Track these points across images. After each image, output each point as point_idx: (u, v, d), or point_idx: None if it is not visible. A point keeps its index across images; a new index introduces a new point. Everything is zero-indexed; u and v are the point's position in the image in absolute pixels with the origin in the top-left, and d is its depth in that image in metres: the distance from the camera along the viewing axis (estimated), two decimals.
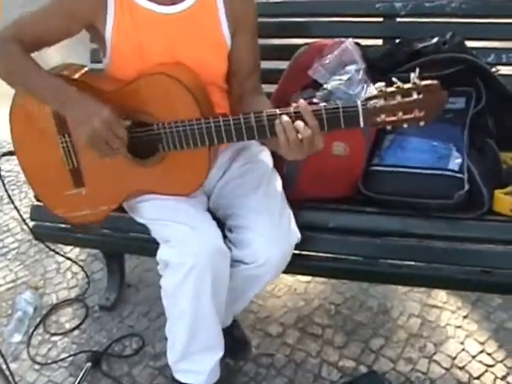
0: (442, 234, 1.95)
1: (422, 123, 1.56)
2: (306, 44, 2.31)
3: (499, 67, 2.22)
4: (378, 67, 2.20)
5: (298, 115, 1.60)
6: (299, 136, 1.59)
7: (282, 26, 2.47)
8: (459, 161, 1.98)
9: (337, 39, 2.23)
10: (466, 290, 2.45)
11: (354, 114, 1.56)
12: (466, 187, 1.93)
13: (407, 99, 1.54)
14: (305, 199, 2.05)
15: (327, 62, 2.14)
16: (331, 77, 2.10)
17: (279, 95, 2.23)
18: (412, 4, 2.35)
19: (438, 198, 1.93)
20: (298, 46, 2.32)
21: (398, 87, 1.54)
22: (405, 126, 1.56)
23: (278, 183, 1.99)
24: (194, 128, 1.71)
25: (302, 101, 1.61)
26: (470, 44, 2.24)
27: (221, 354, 2.02)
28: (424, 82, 1.53)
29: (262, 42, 2.19)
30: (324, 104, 1.61)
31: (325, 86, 2.07)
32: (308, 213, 2.04)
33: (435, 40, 2.18)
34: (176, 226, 1.82)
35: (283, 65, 2.32)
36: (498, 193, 1.97)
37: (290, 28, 2.47)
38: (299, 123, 1.59)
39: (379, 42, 2.41)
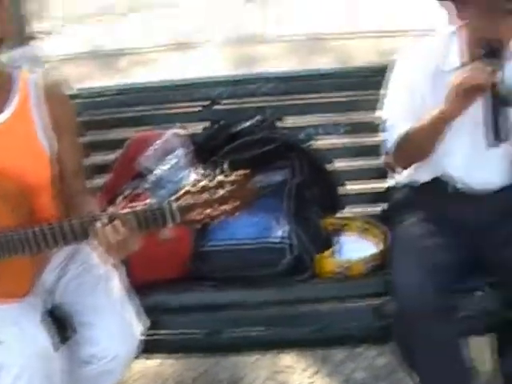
0: (275, 300, 2.10)
1: (237, 213, 1.61)
2: (133, 135, 2.43)
3: (313, 140, 2.45)
4: (202, 151, 2.35)
5: (110, 219, 1.65)
6: (111, 240, 1.65)
7: (108, 119, 2.56)
8: (283, 230, 2.15)
9: (162, 128, 2.38)
10: (307, 349, 2.59)
11: (164, 213, 1.61)
12: (291, 254, 2.10)
13: (218, 193, 1.58)
14: (142, 283, 2.12)
15: (154, 151, 2.27)
16: (158, 165, 2.22)
17: (110, 187, 2.31)
18: (230, 89, 2.51)
19: (266, 266, 2.09)
20: (126, 138, 2.43)
21: (208, 182, 1.59)
22: (222, 218, 1.62)
23: (116, 278, 2.04)
24: (10, 238, 1.73)
25: (111, 208, 1.68)
26: (286, 121, 2.46)
27: None
28: (234, 174, 1.60)
29: (91, 136, 2.28)
30: (135, 207, 1.66)
31: (152, 174, 2.19)
32: (150, 296, 2.11)
33: (252, 121, 2.37)
34: (4, 328, 1.83)
35: (112, 157, 2.42)
36: (321, 256, 2.15)
37: (117, 121, 2.56)
38: (110, 228, 1.64)
39: (203, 126, 2.53)
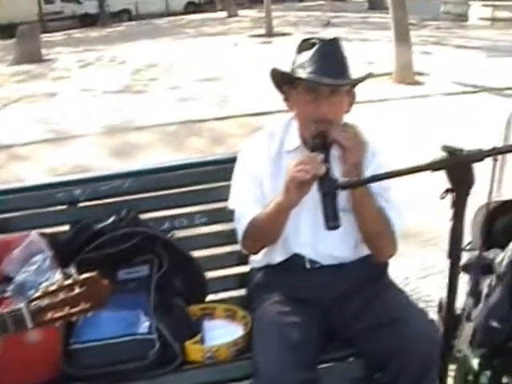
0: None
1: (91, 313, 1.69)
2: None
3: (174, 232, 2.55)
4: (66, 252, 2.39)
5: None
6: None
7: None
8: (148, 323, 2.20)
9: (24, 232, 2.41)
10: None
11: (20, 316, 1.66)
12: (157, 345, 2.15)
13: (71, 294, 1.66)
14: None
15: (15, 255, 2.29)
16: (21, 269, 2.25)
17: None
18: (90, 189, 2.57)
19: (134, 360, 2.13)
20: None
21: (59, 285, 1.67)
22: (74, 318, 1.69)
23: None
24: None
25: None
26: (147, 216, 2.55)
27: None
28: (83, 276, 1.68)
29: None
30: None
31: (16, 278, 2.21)
32: None
33: (112, 219, 2.44)
34: None
35: None
36: (188, 344, 2.21)
37: None
38: None
39: (65, 227, 2.58)
